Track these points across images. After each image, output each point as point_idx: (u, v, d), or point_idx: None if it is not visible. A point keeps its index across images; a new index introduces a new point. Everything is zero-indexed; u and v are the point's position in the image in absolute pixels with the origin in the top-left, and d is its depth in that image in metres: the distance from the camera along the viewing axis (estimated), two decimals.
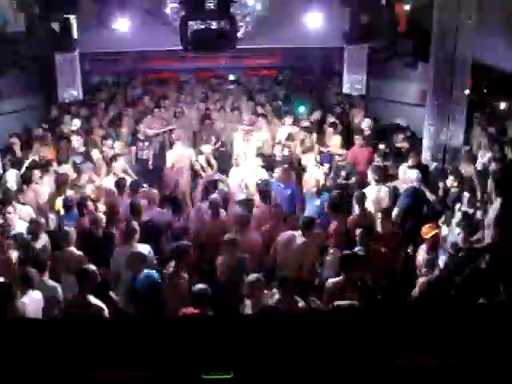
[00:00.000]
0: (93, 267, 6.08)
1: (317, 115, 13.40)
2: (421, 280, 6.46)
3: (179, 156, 10.92)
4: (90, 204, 8.29)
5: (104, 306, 5.96)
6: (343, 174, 9.88)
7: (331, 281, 6.27)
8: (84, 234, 7.64)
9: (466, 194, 7.86)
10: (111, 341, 3.94)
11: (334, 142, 10.80)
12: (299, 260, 7.15)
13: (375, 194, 8.72)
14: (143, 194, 8.71)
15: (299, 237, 7.27)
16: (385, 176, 9.02)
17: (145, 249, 7.03)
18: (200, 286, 5.79)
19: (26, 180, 9.16)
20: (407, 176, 8.77)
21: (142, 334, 3.99)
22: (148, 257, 6.90)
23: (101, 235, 7.66)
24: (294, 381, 3.66)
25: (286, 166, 9.71)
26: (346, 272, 6.17)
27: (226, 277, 6.69)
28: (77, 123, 12.21)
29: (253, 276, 6.04)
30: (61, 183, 9.15)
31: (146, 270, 6.56)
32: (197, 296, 5.71)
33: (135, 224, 7.26)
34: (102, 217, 7.87)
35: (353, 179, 9.79)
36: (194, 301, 5.70)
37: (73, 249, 7.10)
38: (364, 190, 8.68)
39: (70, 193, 9.02)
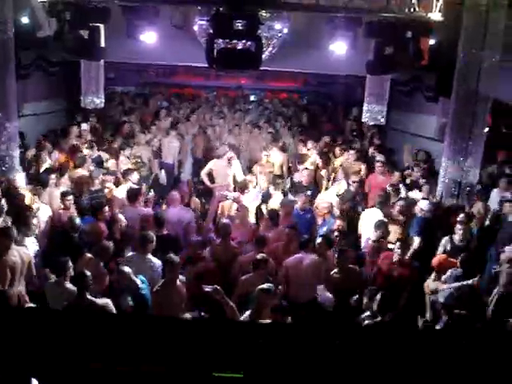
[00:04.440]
0: (87, 272, 6.29)
1: (326, 139, 13.82)
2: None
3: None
4: (105, 209, 8.43)
5: (108, 303, 6.15)
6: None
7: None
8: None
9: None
10: (127, 336, 4.22)
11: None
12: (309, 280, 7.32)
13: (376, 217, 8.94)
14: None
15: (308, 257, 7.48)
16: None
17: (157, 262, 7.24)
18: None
19: (42, 183, 9.32)
20: (418, 206, 8.90)
21: (159, 331, 4.23)
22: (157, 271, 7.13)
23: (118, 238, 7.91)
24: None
25: (307, 192, 10.04)
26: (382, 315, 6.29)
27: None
28: (85, 127, 12.49)
29: (268, 285, 6.24)
30: (79, 185, 9.41)
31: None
32: None
33: (151, 235, 7.42)
34: (122, 219, 8.04)
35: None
36: None
37: (89, 255, 7.26)
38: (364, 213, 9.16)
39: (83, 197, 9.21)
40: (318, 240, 7.86)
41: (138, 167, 10.97)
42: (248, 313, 6.13)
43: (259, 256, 7.13)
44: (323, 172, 11.89)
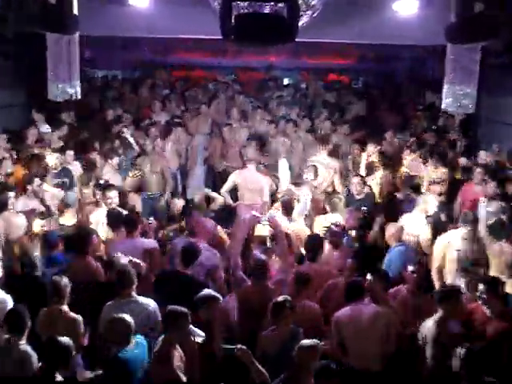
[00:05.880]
0: (66, 340, 5.97)
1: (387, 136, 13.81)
2: None
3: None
4: (95, 238, 8.41)
5: None
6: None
7: None
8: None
9: None
10: None
11: None
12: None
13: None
14: None
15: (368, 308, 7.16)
16: None
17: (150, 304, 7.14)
18: None
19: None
20: None
21: None
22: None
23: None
24: None
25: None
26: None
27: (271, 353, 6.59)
28: (45, 129, 12.69)
29: (311, 341, 6.00)
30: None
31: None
32: None
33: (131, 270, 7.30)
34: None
35: None
36: None
37: (65, 307, 7.00)
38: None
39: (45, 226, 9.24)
40: (368, 277, 7.57)
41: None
42: (281, 377, 5.88)
43: (280, 299, 6.75)
44: (378, 176, 11.65)
